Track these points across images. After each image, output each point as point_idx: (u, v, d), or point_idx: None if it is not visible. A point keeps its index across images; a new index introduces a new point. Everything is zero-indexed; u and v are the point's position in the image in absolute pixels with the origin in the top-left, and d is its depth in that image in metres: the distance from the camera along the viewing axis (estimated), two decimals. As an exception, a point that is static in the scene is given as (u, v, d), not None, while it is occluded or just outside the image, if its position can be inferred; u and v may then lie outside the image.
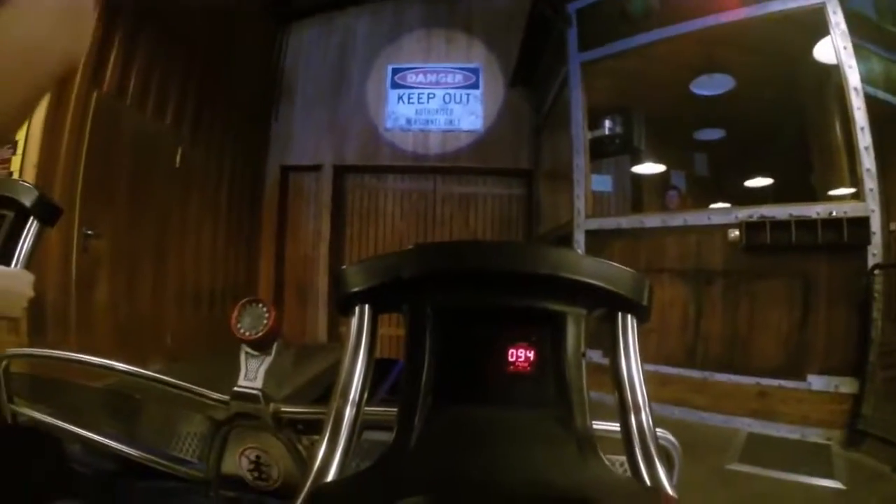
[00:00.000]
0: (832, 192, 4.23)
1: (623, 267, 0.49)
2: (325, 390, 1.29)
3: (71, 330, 3.55)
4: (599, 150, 5.38)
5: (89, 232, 3.70)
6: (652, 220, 4.09)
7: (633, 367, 0.49)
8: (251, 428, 0.92)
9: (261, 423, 0.90)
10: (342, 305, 0.52)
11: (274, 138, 6.41)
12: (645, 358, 0.49)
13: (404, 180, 6.43)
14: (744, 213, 3.53)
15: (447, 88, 6.27)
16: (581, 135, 4.50)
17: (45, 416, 1.07)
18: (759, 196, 6.32)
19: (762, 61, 4.54)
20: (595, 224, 4.35)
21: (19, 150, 3.32)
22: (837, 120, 3.97)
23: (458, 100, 6.24)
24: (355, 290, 0.51)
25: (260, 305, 0.87)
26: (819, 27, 3.54)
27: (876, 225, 3.10)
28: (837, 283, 3.23)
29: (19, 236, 0.97)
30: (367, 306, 0.51)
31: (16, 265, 0.95)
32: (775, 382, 3.32)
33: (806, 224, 3.27)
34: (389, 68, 6.32)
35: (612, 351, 0.50)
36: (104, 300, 3.87)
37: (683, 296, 3.76)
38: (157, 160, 4.50)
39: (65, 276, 3.55)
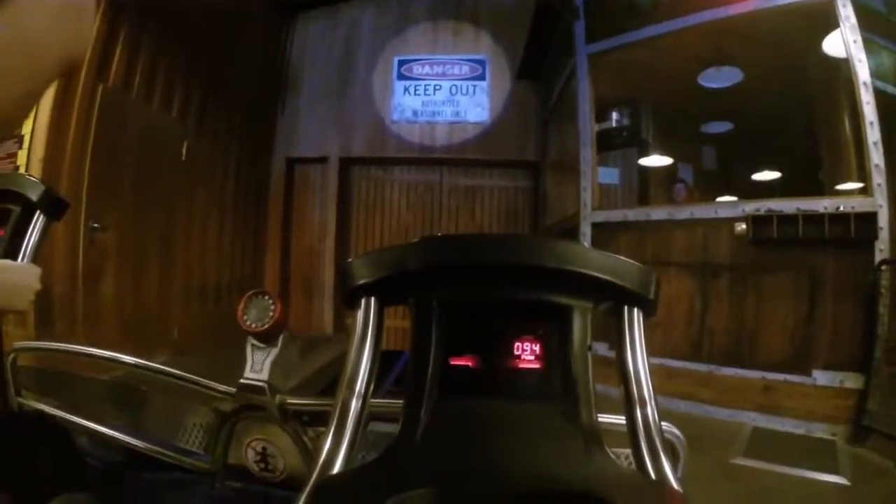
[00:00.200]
0: (840, 187, 4.20)
1: (630, 260, 0.49)
2: (330, 382, 1.29)
3: (78, 323, 3.57)
4: (606, 143, 5.35)
5: (96, 225, 3.71)
6: (658, 213, 4.07)
7: (639, 360, 0.49)
8: (257, 419, 0.93)
9: (267, 414, 0.90)
10: (348, 298, 0.52)
11: (280, 131, 6.41)
12: (651, 351, 0.49)
13: (410, 172, 6.42)
14: (751, 207, 3.51)
15: (454, 80, 6.23)
16: (588, 127, 4.48)
17: (52, 409, 1.08)
18: (766, 190, 6.29)
19: (771, 54, 4.49)
20: (601, 216, 4.33)
21: (25, 145, 3.32)
22: (846, 114, 3.93)
23: (464, 91, 6.20)
24: (361, 282, 0.51)
25: (266, 298, 0.87)
26: (829, 20, 3.50)
27: (883, 220, 3.08)
28: (844, 278, 3.21)
29: (26, 230, 0.98)
30: (373, 299, 0.52)
31: (23, 259, 0.96)
32: (781, 377, 3.31)
33: (813, 218, 3.24)
34: (396, 60, 6.30)
35: (618, 345, 0.49)
36: (111, 293, 3.89)
37: (689, 289, 3.75)
38: (163, 154, 4.51)
39: (71, 270, 3.57)
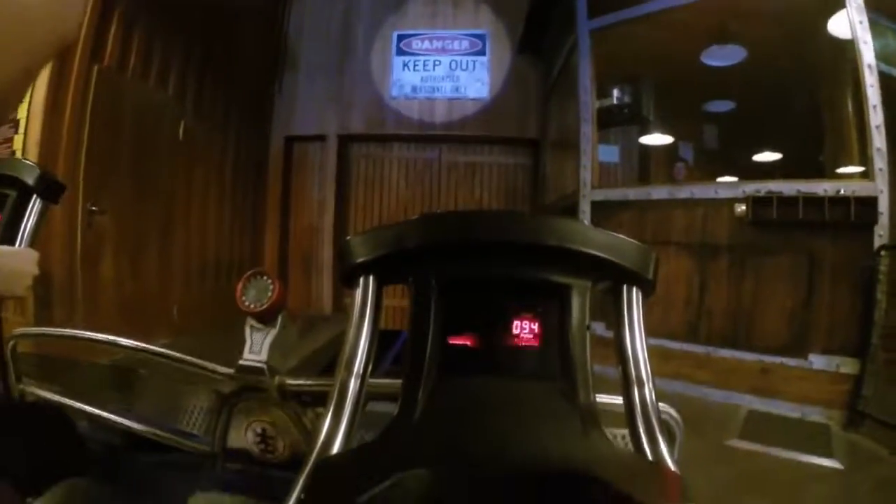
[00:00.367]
0: (841, 170, 4.17)
1: (629, 239, 0.49)
2: (330, 361, 1.30)
3: (77, 306, 3.57)
4: (607, 120, 5.29)
5: (93, 208, 3.69)
6: (659, 192, 4.05)
7: (637, 341, 0.49)
8: (257, 401, 0.93)
9: (266, 396, 0.91)
10: (347, 277, 0.52)
11: (277, 109, 6.35)
12: (648, 332, 0.49)
13: (409, 149, 6.38)
14: (751, 188, 3.48)
15: (453, 55, 6.15)
16: (589, 103, 4.43)
17: (52, 395, 1.09)
18: (767, 171, 6.26)
19: (775, 33, 4.44)
20: (601, 195, 4.31)
21: (21, 129, 3.29)
22: (849, 96, 3.89)
23: (464, 67, 6.13)
24: (360, 260, 0.51)
25: (265, 278, 0.87)
26: (835, 0, 3.45)
27: (884, 205, 3.05)
28: (842, 262, 3.20)
29: (23, 215, 0.97)
30: (371, 277, 0.51)
31: (20, 243, 0.95)
32: (777, 360, 3.32)
33: (813, 201, 3.22)
34: (395, 35, 6.21)
35: (616, 324, 0.49)
36: (110, 276, 3.88)
37: (688, 269, 3.75)
38: (160, 134, 4.47)
39: (70, 253, 3.55)
